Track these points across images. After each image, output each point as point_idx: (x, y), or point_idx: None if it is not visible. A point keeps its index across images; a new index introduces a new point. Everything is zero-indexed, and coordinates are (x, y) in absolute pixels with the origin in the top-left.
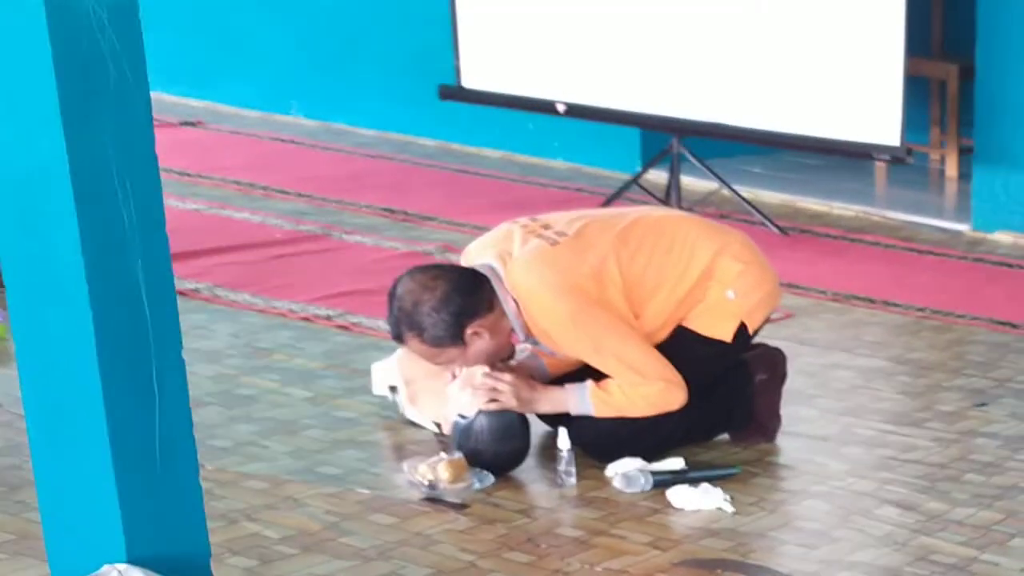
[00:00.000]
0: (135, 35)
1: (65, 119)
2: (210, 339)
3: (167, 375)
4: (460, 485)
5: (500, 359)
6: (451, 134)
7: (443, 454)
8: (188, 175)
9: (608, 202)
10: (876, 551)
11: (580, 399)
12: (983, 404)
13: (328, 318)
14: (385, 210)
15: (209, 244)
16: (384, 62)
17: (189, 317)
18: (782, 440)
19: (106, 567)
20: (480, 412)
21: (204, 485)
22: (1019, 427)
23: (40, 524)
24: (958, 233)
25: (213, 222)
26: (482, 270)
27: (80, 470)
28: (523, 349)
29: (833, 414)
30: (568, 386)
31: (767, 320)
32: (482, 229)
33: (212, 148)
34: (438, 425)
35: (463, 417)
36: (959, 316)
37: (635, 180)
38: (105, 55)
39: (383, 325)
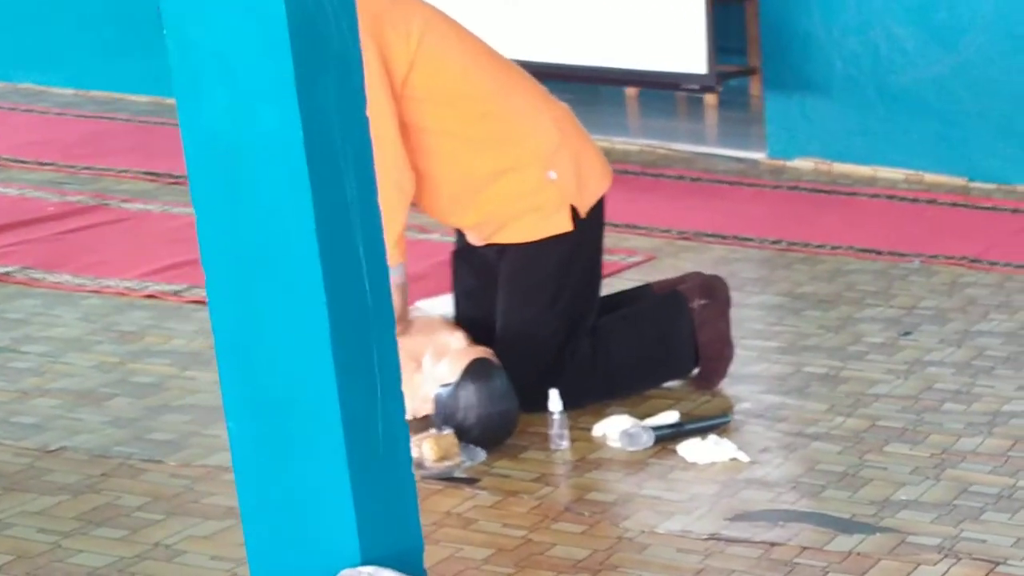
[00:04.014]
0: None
1: (299, 83)
2: (64, 326)
3: (386, 360)
4: (448, 463)
5: None
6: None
7: (432, 431)
8: None
9: None
10: (915, 488)
11: None
12: (908, 333)
13: (176, 294)
14: (147, 174)
15: None
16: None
17: (19, 303)
18: (737, 385)
19: (349, 571)
20: (465, 377)
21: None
22: (958, 353)
23: None
24: (755, 162)
25: None
26: None
27: (307, 469)
28: None
29: (771, 353)
30: None
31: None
32: None
33: None
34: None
35: (445, 386)
36: (818, 247)
37: None
38: (328, 15)
39: None
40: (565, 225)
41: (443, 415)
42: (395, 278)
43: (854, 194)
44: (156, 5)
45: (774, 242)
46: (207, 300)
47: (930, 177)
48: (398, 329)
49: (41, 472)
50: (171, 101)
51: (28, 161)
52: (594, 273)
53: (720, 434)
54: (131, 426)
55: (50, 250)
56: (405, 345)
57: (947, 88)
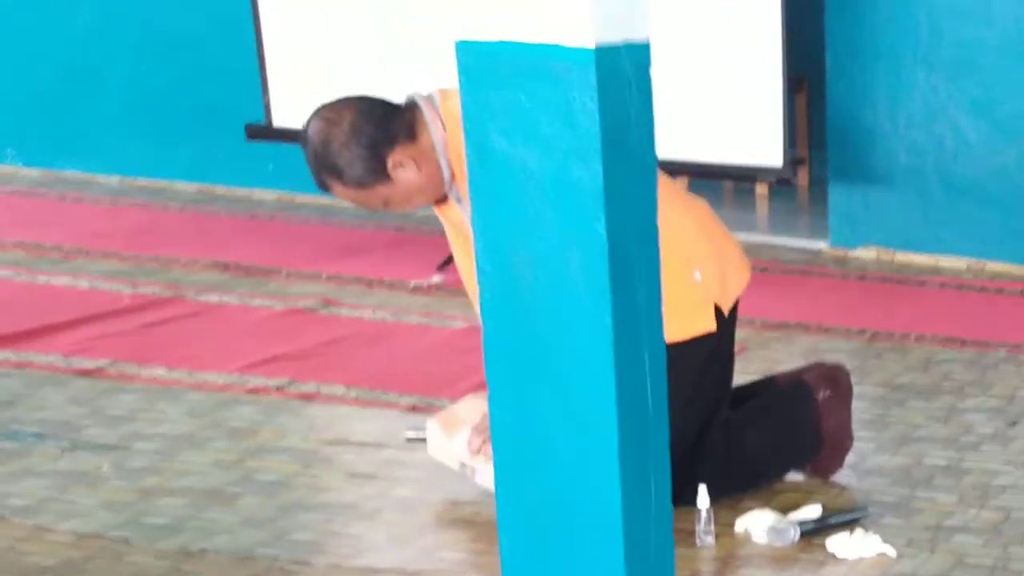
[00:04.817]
0: (648, 94)
1: (607, 191)
2: (171, 422)
3: (661, 472)
4: None
5: (436, 198)
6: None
7: None
8: None
9: None
10: None
11: None
12: (1016, 423)
13: (279, 389)
14: (215, 264)
15: (55, 317)
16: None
17: (118, 399)
18: (864, 478)
19: None
20: None
21: None
22: None
23: None
24: (817, 251)
25: (36, 292)
26: (414, 97)
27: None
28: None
29: (887, 444)
30: None
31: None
32: (337, 278)
33: None
34: None
35: None
36: (903, 336)
37: None
38: (631, 116)
39: (339, 391)
40: (709, 325)
41: None
42: None
43: (923, 283)
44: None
45: (859, 332)
46: (489, 409)
47: (993, 266)
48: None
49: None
50: (220, 190)
51: (92, 252)
52: (729, 369)
53: (864, 528)
54: (268, 526)
55: (136, 343)
56: None
57: (1010, 178)
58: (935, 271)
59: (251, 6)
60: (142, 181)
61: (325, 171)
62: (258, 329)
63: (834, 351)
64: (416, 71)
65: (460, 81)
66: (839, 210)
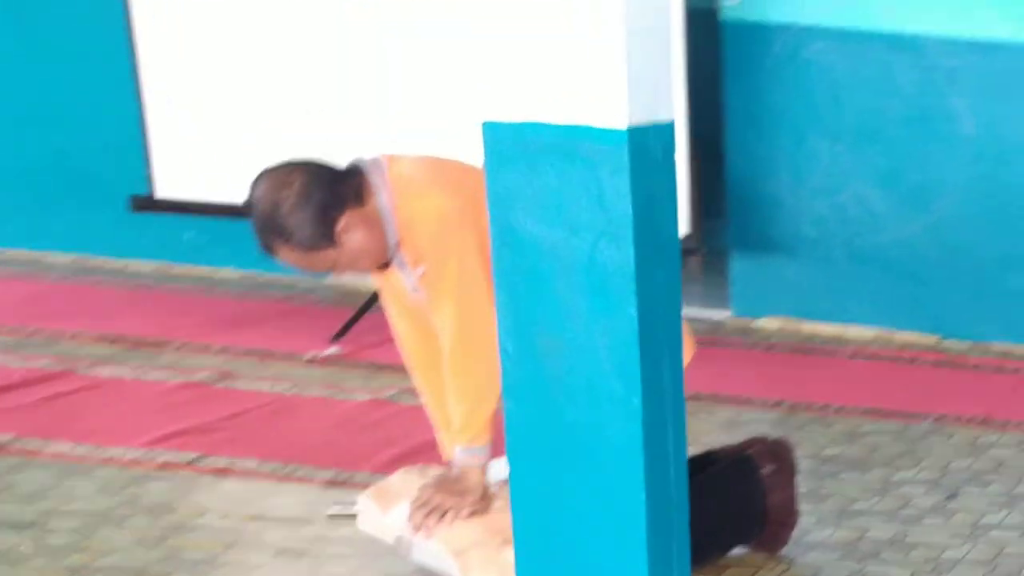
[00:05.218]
0: (673, 174)
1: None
2: (85, 498)
3: (683, 552)
4: None
5: (381, 263)
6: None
7: None
8: None
9: (358, 315)
10: None
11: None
12: (953, 496)
13: (191, 464)
14: (105, 337)
15: None
16: None
17: (27, 475)
18: (810, 552)
19: None
20: None
21: None
22: (1014, 515)
23: None
24: (719, 322)
25: None
26: (359, 162)
27: None
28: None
29: (828, 517)
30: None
31: None
32: (229, 351)
33: None
34: None
35: None
36: (822, 407)
37: None
38: (659, 197)
39: (252, 465)
40: None
41: None
42: (481, 458)
43: (833, 353)
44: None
45: (776, 403)
46: (511, 491)
47: (901, 335)
48: (478, 506)
49: None
50: (97, 261)
51: None
52: None
53: None
54: None
55: (35, 418)
56: (487, 520)
57: (917, 248)
58: (842, 341)
59: (133, 79)
60: (13, 252)
61: (272, 234)
62: (158, 403)
63: (756, 422)
64: (302, 140)
65: (486, 162)
66: (741, 279)
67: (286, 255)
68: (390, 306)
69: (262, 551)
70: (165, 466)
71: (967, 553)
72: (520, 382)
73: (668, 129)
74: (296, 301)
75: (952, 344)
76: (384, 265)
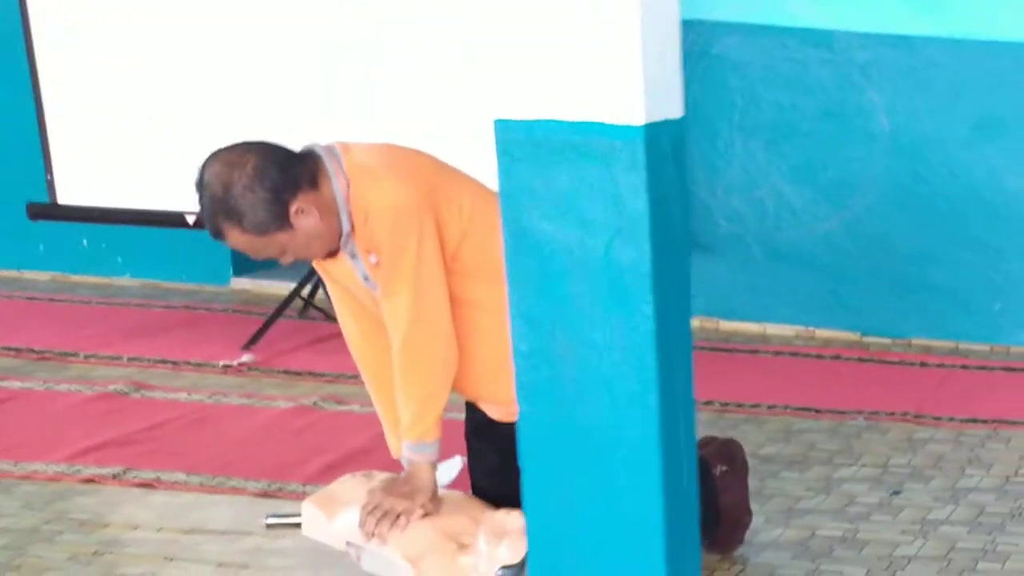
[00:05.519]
0: (684, 171)
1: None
2: (11, 516)
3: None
4: None
5: (331, 249)
6: None
7: None
8: None
9: (269, 322)
10: None
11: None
12: (897, 492)
13: (116, 477)
14: (8, 349)
15: None
16: None
17: None
18: (763, 552)
19: None
20: None
21: None
22: (959, 511)
23: None
24: None
25: None
26: (313, 148)
27: None
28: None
29: (775, 516)
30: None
31: None
32: (139, 360)
33: None
34: None
35: (506, 568)
36: (753, 406)
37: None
38: (671, 194)
39: (180, 477)
40: None
41: None
42: (430, 455)
43: (755, 351)
44: None
45: (706, 402)
46: (523, 489)
47: (822, 332)
48: (430, 507)
49: None
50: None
51: None
52: None
53: None
54: None
55: None
56: (441, 524)
57: (836, 244)
58: (763, 339)
59: (32, 87)
60: None
61: (222, 216)
62: (73, 415)
63: None
64: (205, 141)
65: (499, 160)
66: None
67: (236, 239)
68: (336, 298)
69: (203, 565)
70: (90, 480)
71: (919, 549)
72: (534, 383)
73: (679, 125)
74: (200, 309)
75: (872, 340)
76: (332, 253)
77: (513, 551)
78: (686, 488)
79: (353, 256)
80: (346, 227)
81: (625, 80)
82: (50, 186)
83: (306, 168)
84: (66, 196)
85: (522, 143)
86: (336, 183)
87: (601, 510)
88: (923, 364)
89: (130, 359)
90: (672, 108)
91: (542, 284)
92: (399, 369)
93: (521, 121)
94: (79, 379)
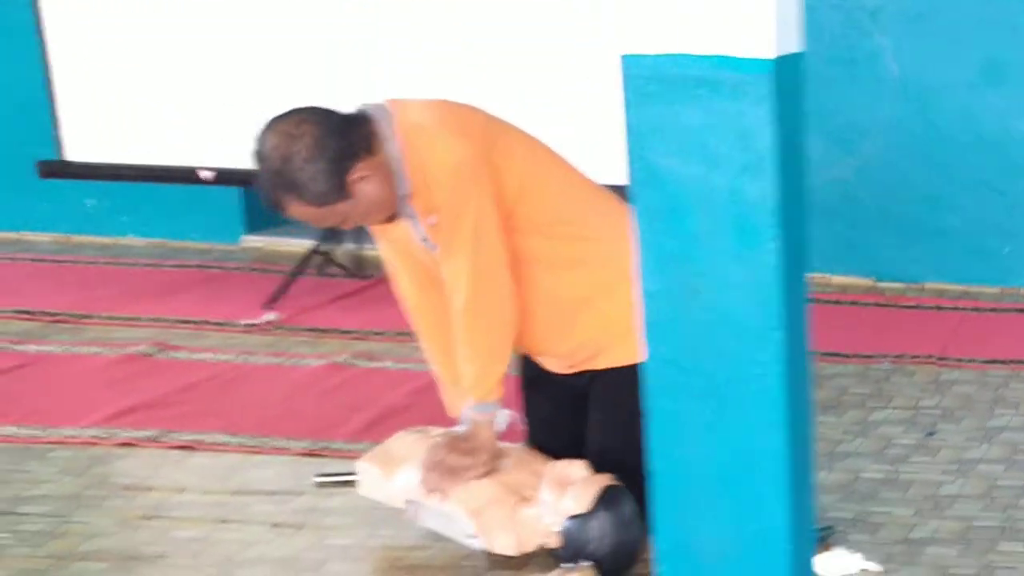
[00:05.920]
0: (803, 106)
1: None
2: (51, 482)
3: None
4: None
5: (391, 214)
6: None
7: (564, 565)
8: None
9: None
10: None
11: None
12: (932, 433)
13: (154, 440)
14: (20, 312)
15: None
16: None
17: None
18: None
19: None
20: (598, 506)
21: None
22: (994, 449)
23: None
24: None
25: None
26: (368, 109)
27: None
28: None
29: (816, 461)
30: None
31: None
32: (161, 320)
33: None
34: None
35: (573, 518)
36: None
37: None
38: (796, 129)
39: (221, 439)
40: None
41: (573, 548)
42: (492, 414)
43: None
44: None
45: None
46: (649, 427)
47: (837, 279)
48: (491, 464)
49: None
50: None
51: None
52: None
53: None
54: None
55: None
56: (502, 479)
57: (850, 190)
58: None
59: (39, 43)
60: None
61: (282, 189)
62: (98, 379)
63: None
64: (214, 101)
65: (625, 96)
66: None
67: (296, 210)
68: (392, 259)
69: (256, 525)
70: (127, 444)
71: (961, 488)
72: (661, 320)
73: (802, 60)
74: (214, 268)
75: (887, 286)
76: (392, 218)
77: (578, 501)
78: (806, 423)
79: (412, 218)
80: (404, 190)
81: (757, 13)
82: (58, 143)
83: (362, 133)
84: (74, 154)
85: (649, 78)
86: (392, 145)
87: (726, 445)
88: (939, 308)
89: (150, 319)
90: (796, 42)
91: (669, 221)
92: (461, 330)
93: (649, 56)
94: (98, 341)
